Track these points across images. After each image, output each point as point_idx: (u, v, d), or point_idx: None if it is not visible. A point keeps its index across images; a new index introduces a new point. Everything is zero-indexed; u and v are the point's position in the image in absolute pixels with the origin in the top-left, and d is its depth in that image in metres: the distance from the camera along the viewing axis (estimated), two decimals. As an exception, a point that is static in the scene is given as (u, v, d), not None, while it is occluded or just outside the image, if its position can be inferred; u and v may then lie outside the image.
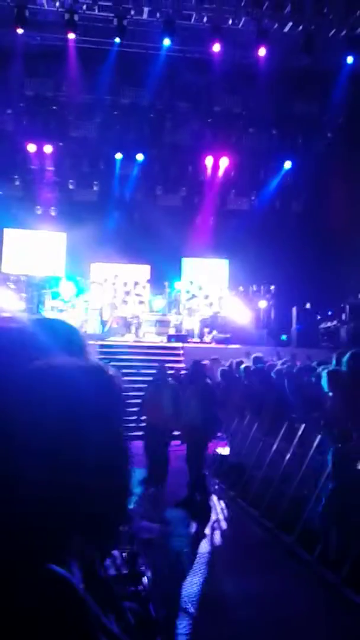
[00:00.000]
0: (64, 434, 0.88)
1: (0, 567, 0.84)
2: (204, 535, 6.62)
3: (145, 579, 4.76)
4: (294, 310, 17.37)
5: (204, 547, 6.33)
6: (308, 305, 17.48)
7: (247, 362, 9.77)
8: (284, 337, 17.62)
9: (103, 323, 17.22)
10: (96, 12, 15.92)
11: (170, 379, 9.26)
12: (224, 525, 7.08)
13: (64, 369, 0.95)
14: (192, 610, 4.79)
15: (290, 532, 6.03)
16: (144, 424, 8.32)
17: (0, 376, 0.90)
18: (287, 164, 20.18)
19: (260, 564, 5.67)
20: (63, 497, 0.89)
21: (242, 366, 9.55)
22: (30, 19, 15.88)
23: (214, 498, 8.06)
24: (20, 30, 15.91)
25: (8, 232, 20.80)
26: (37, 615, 0.82)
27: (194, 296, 18.64)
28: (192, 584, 5.33)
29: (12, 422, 0.86)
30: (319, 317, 17.43)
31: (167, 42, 16.55)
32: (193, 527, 6.56)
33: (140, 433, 11.11)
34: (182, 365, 13.27)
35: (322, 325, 17.25)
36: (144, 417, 8.27)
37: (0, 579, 0.83)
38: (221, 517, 7.38)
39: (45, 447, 0.86)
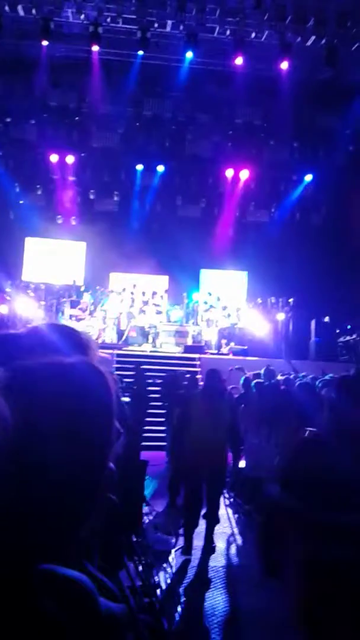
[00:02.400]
0: (60, 427, 0.90)
1: (15, 568, 0.83)
2: (219, 550, 6.52)
3: (159, 591, 4.69)
4: (313, 323, 17.23)
5: (219, 561, 6.23)
6: (327, 319, 17.32)
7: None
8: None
9: (120, 332, 17.25)
10: (120, 24, 16.08)
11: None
12: (239, 539, 6.96)
13: (54, 366, 1.00)
14: (205, 624, 4.70)
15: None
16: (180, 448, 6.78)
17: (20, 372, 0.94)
18: (308, 177, 20.14)
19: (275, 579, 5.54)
20: (79, 486, 0.92)
21: (254, 381, 9.43)
22: (55, 31, 16.12)
23: (230, 512, 7.94)
24: (45, 42, 16.16)
25: (29, 241, 21.07)
26: (54, 619, 0.82)
27: (211, 307, 18.60)
28: (206, 598, 5.24)
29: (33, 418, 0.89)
30: (337, 331, 17.25)
31: (189, 54, 16.67)
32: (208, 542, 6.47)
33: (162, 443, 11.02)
34: (198, 376, 13.20)
35: (341, 339, 17.07)
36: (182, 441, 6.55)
37: (15, 582, 0.82)
38: (236, 531, 7.26)
39: (41, 443, 0.88)
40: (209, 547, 6.29)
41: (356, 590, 2.62)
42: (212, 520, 6.42)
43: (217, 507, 6.47)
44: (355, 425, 2.99)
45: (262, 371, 9.22)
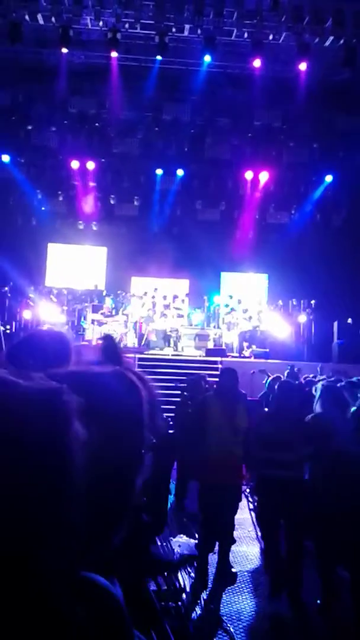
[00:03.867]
0: (93, 435, 0.89)
1: (40, 574, 0.80)
2: (244, 553, 6.46)
3: (184, 595, 4.64)
4: (335, 325, 17.06)
5: (245, 565, 6.18)
6: (350, 320, 17.14)
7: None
8: None
9: (141, 336, 17.31)
10: (138, 30, 16.16)
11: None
12: (262, 543, 6.90)
13: (90, 374, 1.03)
14: (230, 628, 4.66)
15: (332, 550, 5.82)
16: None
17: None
18: (328, 178, 19.98)
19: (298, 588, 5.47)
20: (109, 499, 0.92)
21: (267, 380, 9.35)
22: (75, 39, 16.28)
23: (254, 516, 7.88)
24: (64, 50, 16.32)
25: (52, 247, 21.29)
26: (77, 625, 0.81)
27: (232, 310, 18.54)
28: (231, 603, 5.20)
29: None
30: (361, 332, 17.06)
31: (207, 58, 16.68)
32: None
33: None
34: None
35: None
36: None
37: (40, 587, 0.80)
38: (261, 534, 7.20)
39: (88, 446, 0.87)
40: (224, 571, 5.58)
41: (294, 498, 4.96)
42: (226, 540, 5.67)
43: (232, 526, 5.76)
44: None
45: (285, 373, 9.14)
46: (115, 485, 0.93)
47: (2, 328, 15.62)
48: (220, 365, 15.31)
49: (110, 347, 1.40)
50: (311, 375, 10.56)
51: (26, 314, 17.21)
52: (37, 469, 0.76)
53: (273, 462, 5.11)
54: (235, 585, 5.58)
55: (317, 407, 5.32)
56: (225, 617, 4.87)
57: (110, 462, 0.91)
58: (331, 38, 15.72)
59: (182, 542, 4.70)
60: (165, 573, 4.05)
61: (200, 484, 5.80)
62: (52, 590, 0.80)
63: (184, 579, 5.14)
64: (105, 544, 0.94)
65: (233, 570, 5.69)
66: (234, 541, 5.87)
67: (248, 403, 6.77)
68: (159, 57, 16.66)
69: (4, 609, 0.77)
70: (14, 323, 17.11)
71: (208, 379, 11.18)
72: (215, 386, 6.87)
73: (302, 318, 17.99)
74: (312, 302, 18.40)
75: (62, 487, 0.78)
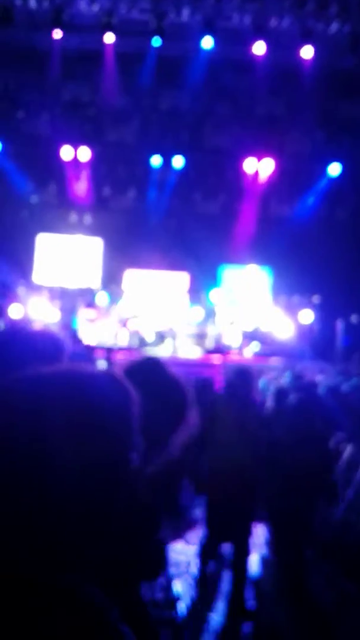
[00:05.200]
0: (80, 436, 0.93)
1: (31, 585, 0.85)
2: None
3: (180, 605, 4.75)
4: (339, 323, 17.15)
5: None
6: (354, 318, 17.23)
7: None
8: None
9: (134, 334, 17.29)
10: (134, 14, 16.17)
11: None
12: (264, 551, 7.00)
13: (76, 374, 1.05)
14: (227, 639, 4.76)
15: (335, 559, 5.93)
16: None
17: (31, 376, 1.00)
18: (333, 169, 20.01)
19: (300, 593, 5.58)
20: (95, 503, 0.94)
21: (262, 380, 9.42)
22: (68, 22, 16.26)
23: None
24: (57, 34, 16.30)
25: (43, 238, 20.99)
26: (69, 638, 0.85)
27: (232, 306, 18.55)
28: (229, 612, 5.29)
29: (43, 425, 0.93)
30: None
31: (207, 44, 16.68)
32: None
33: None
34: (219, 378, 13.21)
35: (369, 339, 16.98)
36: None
37: (31, 600, 0.85)
38: (262, 541, 7.30)
39: (62, 450, 0.91)
40: (237, 608, 5.12)
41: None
42: (241, 571, 5.17)
43: (246, 554, 5.24)
44: None
45: (286, 376, 9.23)
46: (99, 487, 0.94)
47: None
48: (219, 365, 15.42)
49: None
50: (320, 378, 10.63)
51: (14, 311, 17.14)
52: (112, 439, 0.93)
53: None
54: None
55: None
56: (222, 627, 4.97)
57: (95, 460, 0.93)
58: (336, 24, 15.76)
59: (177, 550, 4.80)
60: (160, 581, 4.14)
61: (206, 500, 5.44)
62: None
63: (180, 587, 5.24)
64: (94, 548, 0.95)
65: (248, 609, 5.13)
66: (248, 551, 5.31)
67: (261, 411, 6.16)
68: (156, 42, 16.65)
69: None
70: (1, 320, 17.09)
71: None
72: (225, 387, 6.46)
73: (305, 315, 18.05)
74: (316, 298, 18.47)
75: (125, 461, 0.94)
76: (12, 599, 0.83)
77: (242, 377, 5.50)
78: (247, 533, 5.26)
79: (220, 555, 5.65)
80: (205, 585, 5.53)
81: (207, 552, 5.40)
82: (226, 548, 5.59)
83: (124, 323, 17.41)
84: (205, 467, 5.23)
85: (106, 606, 0.92)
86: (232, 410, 5.28)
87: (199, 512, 7.56)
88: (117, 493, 0.97)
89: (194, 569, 6.04)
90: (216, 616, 5.19)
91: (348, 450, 6.36)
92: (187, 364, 15.29)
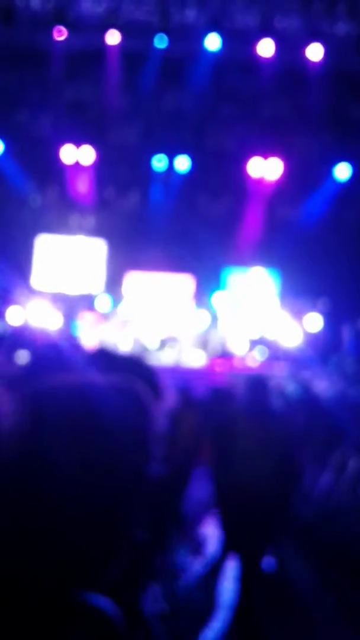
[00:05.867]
0: (93, 449, 0.94)
1: (36, 596, 0.87)
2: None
3: (185, 614, 4.86)
4: (346, 328, 17.20)
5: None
6: (361, 323, 17.29)
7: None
8: None
9: (137, 339, 17.33)
10: (138, 14, 16.29)
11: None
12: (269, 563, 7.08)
13: (91, 384, 1.04)
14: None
15: (340, 571, 6.01)
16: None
17: (37, 387, 0.99)
18: (341, 170, 20.06)
19: (306, 605, 5.67)
20: (107, 517, 0.95)
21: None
22: (71, 22, 16.39)
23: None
24: (60, 34, 16.44)
25: (44, 239, 20.86)
26: None
27: (237, 311, 18.59)
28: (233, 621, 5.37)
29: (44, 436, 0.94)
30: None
31: (212, 43, 16.77)
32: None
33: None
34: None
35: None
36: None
37: (36, 610, 0.87)
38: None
39: (74, 464, 0.92)
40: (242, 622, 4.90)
41: None
42: (248, 588, 4.91)
43: (255, 577, 4.97)
44: None
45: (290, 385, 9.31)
46: (111, 509, 0.95)
47: None
48: (223, 371, 15.48)
49: (104, 354, 1.49)
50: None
51: (14, 316, 17.20)
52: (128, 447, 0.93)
53: None
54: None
55: None
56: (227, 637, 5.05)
57: (107, 482, 0.94)
58: (344, 24, 15.85)
59: (182, 560, 4.89)
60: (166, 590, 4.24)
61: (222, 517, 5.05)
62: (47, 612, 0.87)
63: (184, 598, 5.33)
64: (104, 566, 0.97)
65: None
66: (260, 569, 5.05)
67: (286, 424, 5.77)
68: (159, 42, 16.76)
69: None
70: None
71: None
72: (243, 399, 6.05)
73: (312, 320, 18.08)
74: (323, 302, 18.50)
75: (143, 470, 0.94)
76: (24, 615, 0.85)
77: (258, 388, 5.09)
78: (262, 552, 5.02)
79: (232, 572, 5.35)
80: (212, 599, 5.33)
81: (219, 569, 5.14)
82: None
83: (125, 328, 17.47)
84: (224, 483, 4.92)
85: (120, 623, 0.94)
86: (250, 426, 4.90)
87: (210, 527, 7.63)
88: (130, 506, 0.98)
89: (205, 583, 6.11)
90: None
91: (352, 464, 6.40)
92: (191, 372, 15.39)
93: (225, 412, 6.55)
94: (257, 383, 5.15)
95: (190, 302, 19.28)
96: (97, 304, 18.34)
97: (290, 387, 9.57)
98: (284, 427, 5.30)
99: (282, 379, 11.15)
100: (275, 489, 4.71)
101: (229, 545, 5.05)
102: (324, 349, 17.45)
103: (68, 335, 16.86)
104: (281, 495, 4.80)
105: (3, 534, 0.86)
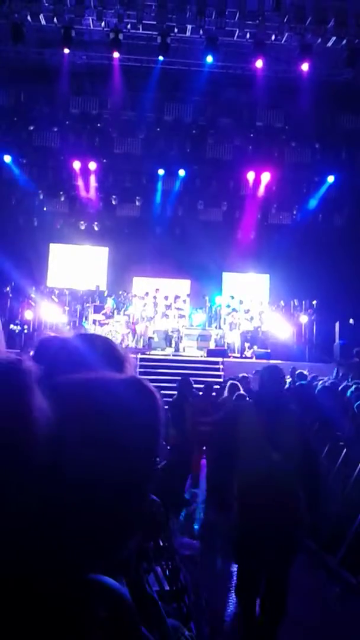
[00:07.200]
0: (106, 445, 0.90)
1: (50, 577, 0.84)
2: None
3: (187, 597, 4.69)
4: (337, 325, 17.10)
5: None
6: (352, 321, 17.18)
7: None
8: None
9: (137, 336, 17.33)
10: (140, 30, 16.23)
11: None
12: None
13: (103, 382, 0.99)
14: (232, 630, 4.71)
15: (335, 553, 5.87)
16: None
17: (44, 387, 0.91)
18: (330, 178, 20.01)
19: (302, 586, 5.53)
20: (122, 505, 0.92)
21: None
22: (77, 39, 16.37)
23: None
24: (66, 50, 16.41)
25: (53, 247, 21.23)
26: (89, 627, 0.84)
27: (234, 310, 18.58)
28: (234, 603, 5.24)
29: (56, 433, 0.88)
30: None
31: (209, 58, 16.74)
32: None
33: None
34: (220, 380, 13.18)
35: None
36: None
37: (49, 590, 0.84)
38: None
39: (88, 460, 0.88)
40: None
41: None
42: (275, 612, 4.04)
43: (285, 592, 4.00)
44: None
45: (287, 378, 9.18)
46: (127, 497, 0.92)
47: (17, 328, 15.81)
48: (221, 366, 15.42)
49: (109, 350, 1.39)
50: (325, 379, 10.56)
51: (28, 314, 17.26)
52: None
53: None
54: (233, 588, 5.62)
55: None
56: (228, 618, 4.92)
57: (121, 474, 0.90)
58: (333, 38, 15.78)
59: (184, 542, 4.76)
60: (167, 572, 4.10)
61: (236, 524, 4.17)
62: (61, 592, 0.84)
63: (186, 576, 5.19)
64: (118, 552, 0.95)
65: None
66: (284, 613, 4.06)
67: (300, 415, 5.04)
68: (160, 58, 16.76)
69: (14, 612, 0.80)
70: (17, 323, 17.17)
71: (211, 381, 11.22)
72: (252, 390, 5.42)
73: (304, 318, 18.03)
74: (314, 302, 18.45)
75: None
76: (43, 595, 0.82)
77: (272, 377, 4.22)
78: (288, 564, 4.08)
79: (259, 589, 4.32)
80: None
81: (245, 588, 4.23)
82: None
83: (131, 326, 17.47)
84: (233, 482, 4.15)
85: (126, 597, 0.91)
86: (264, 417, 4.07)
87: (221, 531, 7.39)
88: (138, 499, 0.96)
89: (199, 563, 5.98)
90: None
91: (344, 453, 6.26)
92: (192, 362, 15.43)
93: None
94: (270, 370, 4.29)
95: (189, 303, 19.31)
96: (104, 305, 18.31)
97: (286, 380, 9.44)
98: (300, 416, 4.69)
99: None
100: (293, 481, 3.90)
101: (246, 553, 4.18)
102: (315, 345, 17.37)
103: (79, 333, 16.74)
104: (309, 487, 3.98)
105: (28, 517, 0.82)
